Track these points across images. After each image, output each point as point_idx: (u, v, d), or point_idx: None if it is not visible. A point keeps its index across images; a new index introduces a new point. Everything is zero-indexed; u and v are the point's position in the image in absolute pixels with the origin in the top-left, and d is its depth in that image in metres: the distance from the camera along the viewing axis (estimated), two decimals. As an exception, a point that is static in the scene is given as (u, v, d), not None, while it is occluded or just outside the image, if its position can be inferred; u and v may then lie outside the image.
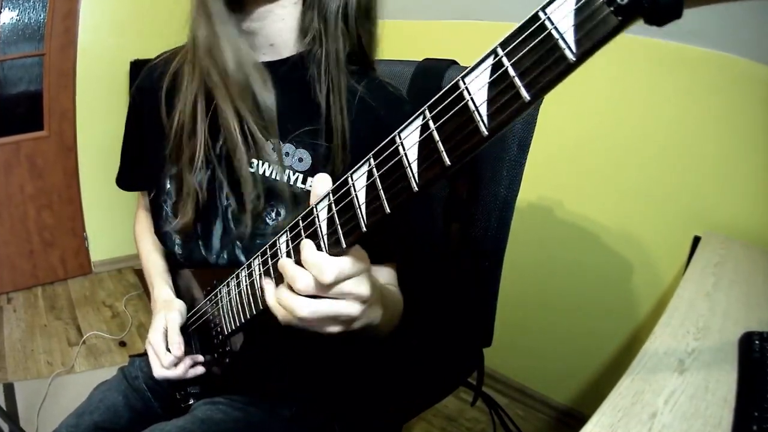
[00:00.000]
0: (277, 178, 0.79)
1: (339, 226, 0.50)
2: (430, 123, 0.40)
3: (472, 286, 1.10)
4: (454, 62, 1.12)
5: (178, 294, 0.96)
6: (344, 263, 0.52)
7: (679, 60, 1.47)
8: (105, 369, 2.20)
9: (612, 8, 0.31)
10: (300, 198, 0.79)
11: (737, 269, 1.17)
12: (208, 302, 0.85)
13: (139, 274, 2.96)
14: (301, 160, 0.78)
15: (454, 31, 1.98)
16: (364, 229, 0.47)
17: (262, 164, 0.80)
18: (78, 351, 2.31)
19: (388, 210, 0.44)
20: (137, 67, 2.58)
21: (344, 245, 0.50)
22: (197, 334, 0.90)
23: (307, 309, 0.55)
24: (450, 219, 1.08)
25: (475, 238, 1.06)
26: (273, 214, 0.80)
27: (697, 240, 1.38)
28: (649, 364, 0.79)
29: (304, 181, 0.78)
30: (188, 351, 0.86)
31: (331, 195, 0.52)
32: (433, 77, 1.09)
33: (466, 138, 0.37)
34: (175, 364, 0.84)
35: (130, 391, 0.97)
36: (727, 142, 1.43)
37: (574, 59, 0.32)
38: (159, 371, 0.84)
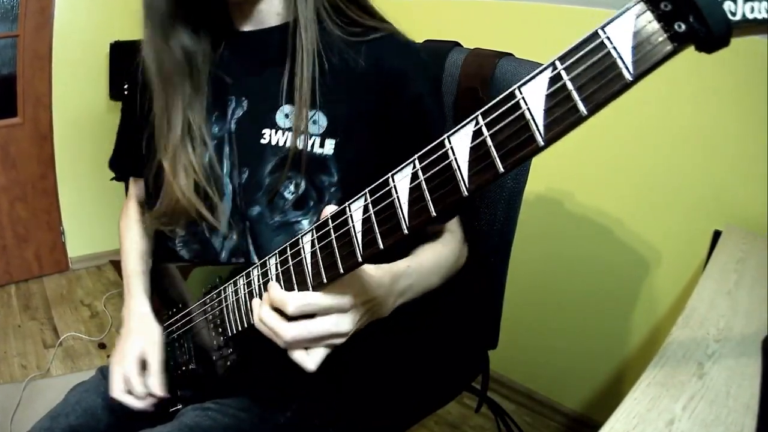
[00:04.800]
0: (290, 145, 0.80)
1: (376, 227, 0.52)
2: (484, 129, 0.42)
3: (476, 284, 1.10)
4: (457, 44, 1.12)
5: (164, 295, 0.97)
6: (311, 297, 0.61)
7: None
8: (83, 372, 2.19)
9: (669, 34, 0.35)
10: (319, 164, 0.79)
11: (761, 266, 1.16)
12: (208, 301, 0.85)
13: (120, 269, 2.95)
14: (315, 122, 0.79)
15: (456, 10, 1.97)
16: (406, 231, 0.49)
17: (275, 133, 0.81)
18: (54, 353, 2.30)
19: (434, 213, 0.46)
20: (118, 49, 2.57)
21: (381, 246, 0.52)
22: (191, 336, 0.90)
23: (290, 333, 0.62)
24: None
25: (479, 233, 1.06)
26: (291, 187, 0.81)
27: (717, 235, 1.38)
28: (666, 367, 0.78)
29: (322, 144, 0.79)
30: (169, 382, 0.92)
31: (368, 195, 0.53)
32: (435, 60, 1.08)
33: (520, 146, 0.40)
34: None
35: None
36: (749, 129, 1.43)
37: (630, 79, 0.35)
38: (118, 394, 0.89)
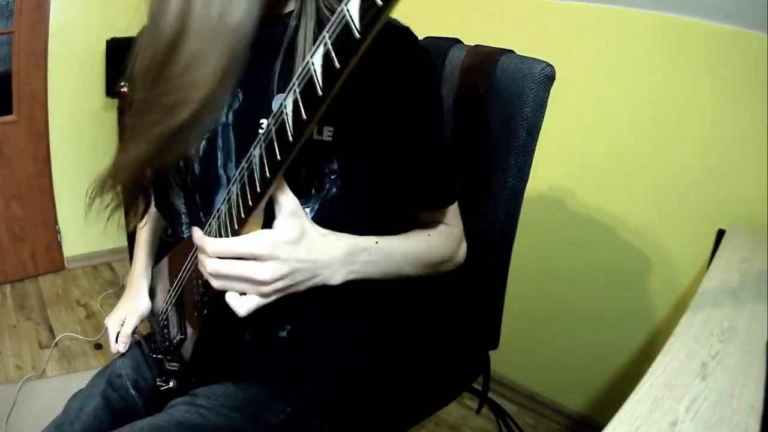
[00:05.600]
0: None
1: (301, 103, 0.58)
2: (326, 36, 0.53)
3: (477, 283, 1.10)
4: (457, 41, 1.12)
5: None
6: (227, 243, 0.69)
7: (699, 38, 1.46)
8: (79, 373, 2.19)
9: None
10: (319, 149, 0.81)
11: (765, 265, 1.16)
12: (191, 266, 0.87)
13: (116, 270, 2.96)
14: None
15: (456, 7, 1.97)
16: (320, 93, 0.55)
17: None
18: (50, 354, 2.30)
19: (338, 65, 0.52)
20: (114, 46, 2.55)
21: (306, 118, 0.58)
22: (179, 306, 0.94)
23: (210, 265, 0.69)
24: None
25: (480, 231, 1.06)
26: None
27: (721, 233, 1.38)
28: (670, 368, 0.78)
29: (320, 132, 0.80)
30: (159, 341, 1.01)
31: (295, 82, 0.59)
32: (435, 56, 1.08)
33: (345, 39, 0.51)
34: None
35: (110, 391, 0.98)
36: (752, 127, 1.43)
37: None
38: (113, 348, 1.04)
